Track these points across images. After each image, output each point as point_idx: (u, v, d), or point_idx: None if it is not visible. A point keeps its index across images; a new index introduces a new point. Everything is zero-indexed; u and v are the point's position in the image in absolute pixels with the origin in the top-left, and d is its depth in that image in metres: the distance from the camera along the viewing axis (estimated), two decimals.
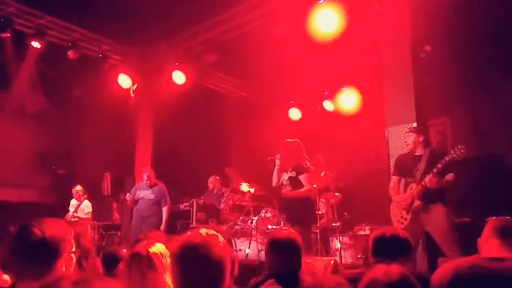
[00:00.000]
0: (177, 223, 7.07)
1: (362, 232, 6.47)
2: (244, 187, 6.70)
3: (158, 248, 2.31)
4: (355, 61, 7.44)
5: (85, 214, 7.65)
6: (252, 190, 6.59)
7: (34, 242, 1.75)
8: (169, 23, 7.21)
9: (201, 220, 6.85)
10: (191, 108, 9.01)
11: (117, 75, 8.13)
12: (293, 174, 5.56)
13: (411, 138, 4.77)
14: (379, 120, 6.05)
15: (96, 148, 9.76)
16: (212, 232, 1.83)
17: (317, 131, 8.30)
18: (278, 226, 5.71)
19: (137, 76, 8.41)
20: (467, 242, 3.16)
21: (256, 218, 6.08)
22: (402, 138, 5.15)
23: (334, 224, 6.40)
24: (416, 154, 4.75)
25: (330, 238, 6.51)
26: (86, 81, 8.70)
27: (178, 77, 8.03)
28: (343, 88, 8.00)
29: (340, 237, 6.25)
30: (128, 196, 7.12)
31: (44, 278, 1.68)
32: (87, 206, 7.71)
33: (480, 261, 2.05)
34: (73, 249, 1.88)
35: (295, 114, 9.20)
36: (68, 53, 7.49)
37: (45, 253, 1.76)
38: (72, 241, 1.88)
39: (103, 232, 8.30)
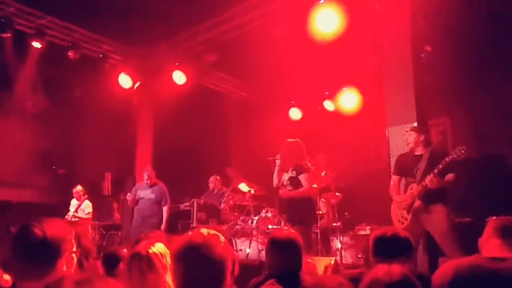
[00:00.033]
0: (178, 223, 7.07)
1: (362, 232, 6.48)
2: (243, 186, 6.70)
3: (158, 248, 2.31)
4: (355, 61, 7.44)
5: (86, 214, 7.65)
6: (252, 190, 6.59)
7: (35, 242, 1.75)
8: (169, 23, 7.21)
9: (202, 220, 6.84)
10: (192, 108, 9.01)
11: (118, 75, 8.13)
12: (294, 174, 5.56)
13: (412, 137, 4.78)
14: (380, 120, 6.05)
15: (97, 148, 9.75)
16: (213, 232, 1.83)
17: (318, 131, 8.30)
18: (278, 226, 5.71)
19: (137, 76, 8.41)
20: (467, 242, 3.16)
21: (256, 218, 6.08)
22: (402, 138, 5.15)
23: (334, 224, 6.40)
24: (416, 153, 4.75)
25: (331, 238, 6.51)
26: (87, 81, 8.68)
27: (179, 77, 8.04)
28: (344, 88, 8.00)
29: (341, 237, 6.25)
30: (129, 196, 7.13)
31: (45, 278, 1.69)
32: (87, 206, 7.71)
33: (480, 261, 2.05)
34: (74, 249, 1.88)
35: (295, 114, 9.21)
36: (69, 53, 7.50)
37: (45, 253, 1.76)
38: (73, 241, 1.89)
39: (104, 232, 8.29)
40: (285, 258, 2.63)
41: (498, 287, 1.93)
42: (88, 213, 7.69)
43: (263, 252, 4.51)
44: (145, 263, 2.24)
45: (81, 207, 7.60)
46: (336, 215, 6.47)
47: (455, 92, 7.25)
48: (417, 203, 4.52)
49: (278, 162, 5.73)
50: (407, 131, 4.90)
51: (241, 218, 6.40)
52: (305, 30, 5.98)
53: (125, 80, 8.21)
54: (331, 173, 6.77)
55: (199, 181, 8.44)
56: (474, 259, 2.09)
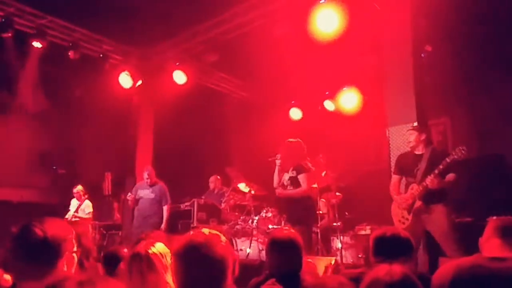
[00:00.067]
0: (178, 222, 7.07)
1: (363, 232, 6.48)
2: (243, 186, 6.70)
3: (158, 248, 2.31)
4: (355, 61, 7.44)
5: (86, 214, 7.65)
6: (252, 190, 6.59)
7: (36, 242, 1.75)
8: (169, 23, 7.21)
9: (202, 219, 6.85)
10: (192, 108, 9.01)
11: (118, 75, 8.13)
12: (294, 174, 5.57)
13: (413, 136, 4.78)
14: (380, 120, 6.05)
15: (97, 148, 9.75)
16: (214, 231, 1.84)
17: (318, 131, 8.31)
18: (279, 226, 5.71)
19: (137, 76, 8.41)
20: (468, 242, 3.16)
21: (257, 218, 6.09)
22: (402, 138, 5.15)
23: (335, 224, 6.41)
24: (417, 153, 4.75)
25: (331, 238, 6.51)
26: (87, 81, 8.68)
27: (179, 77, 8.03)
28: (344, 88, 7.99)
29: (341, 237, 6.26)
30: (129, 195, 7.14)
31: (46, 278, 1.68)
32: (88, 206, 7.71)
33: (481, 260, 2.05)
34: (74, 249, 1.88)
35: (295, 114, 9.20)
36: (69, 53, 7.49)
37: (46, 253, 1.76)
38: (73, 241, 1.89)
39: (104, 232, 8.29)
40: (285, 258, 2.64)
41: (498, 287, 1.94)
42: (89, 213, 7.70)
43: (264, 252, 4.51)
44: (145, 264, 2.24)
45: (81, 207, 7.60)
46: (337, 215, 6.47)
47: (455, 92, 7.25)
48: (418, 203, 4.52)
49: (278, 162, 5.73)
50: (408, 130, 4.90)
51: (241, 218, 6.40)
52: (305, 30, 5.97)
53: (125, 80, 8.20)
54: (331, 173, 6.78)
55: (199, 181, 8.45)
56: (475, 259, 2.09)
